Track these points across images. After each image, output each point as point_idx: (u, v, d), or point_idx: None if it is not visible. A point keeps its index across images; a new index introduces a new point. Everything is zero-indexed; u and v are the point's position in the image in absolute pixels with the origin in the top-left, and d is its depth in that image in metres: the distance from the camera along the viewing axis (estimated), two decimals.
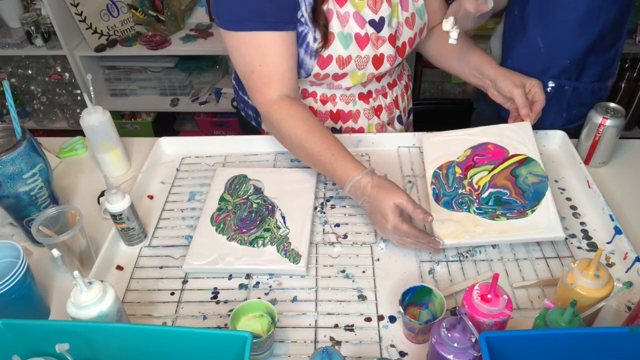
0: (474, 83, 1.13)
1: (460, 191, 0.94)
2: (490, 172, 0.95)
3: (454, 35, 0.96)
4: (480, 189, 0.93)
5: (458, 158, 0.99)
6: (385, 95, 1.14)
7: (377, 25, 1.00)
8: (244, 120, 1.25)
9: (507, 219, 0.88)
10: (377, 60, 1.03)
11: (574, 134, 1.10)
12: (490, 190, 0.93)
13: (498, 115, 1.22)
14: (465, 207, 0.91)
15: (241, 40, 0.93)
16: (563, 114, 1.19)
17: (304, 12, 0.93)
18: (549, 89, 1.16)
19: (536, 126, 1.04)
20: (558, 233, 0.86)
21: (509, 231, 0.87)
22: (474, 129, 1.03)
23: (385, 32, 1.01)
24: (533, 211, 0.89)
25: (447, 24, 0.95)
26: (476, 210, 0.90)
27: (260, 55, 0.93)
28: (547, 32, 1.12)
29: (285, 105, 0.94)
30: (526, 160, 0.96)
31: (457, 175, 0.96)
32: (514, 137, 1.00)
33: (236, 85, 1.21)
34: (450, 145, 1.02)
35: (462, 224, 0.89)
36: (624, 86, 2.21)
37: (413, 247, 0.87)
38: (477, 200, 0.91)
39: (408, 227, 0.83)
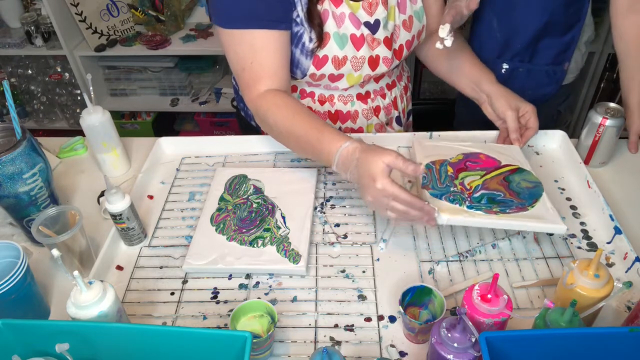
0: (470, 95, 1.12)
1: (452, 189, 0.91)
2: (482, 177, 0.94)
3: (448, 43, 0.97)
4: (472, 189, 0.91)
5: (450, 159, 0.99)
6: (383, 96, 1.13)
7: (372, 27, 1.00)
8: (243, 120, 1.25)
9: (507, 214, 0.87)
10: (373, 62, 1.03)
11: None
12: (483, 191, 0.90)
13: (479, 121, 1.22)
14: (456, 204, 0.87)
15: (234, 37, 0.93)
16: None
17: (300, 12, 0.93)
18: (503, 71, 1.18)
19: None
20: (560, 224, 0.84)
21: (509, 218, 0.85)
22: (466, 142, 1.04)
23: (381, 34, 1.01)
24: (532, 207, 0.88)
25: (444, 31, 0.96)
26: (467, 209, 0.86)
27: (252, 53, 0.93)
28: (501, 16, 1.14)
29: (271, 96, 0.94)
30: (518, 170, 0.95)
31: (449, 173, 0.95)
32: (506, 153, 1.00)
33: (236, 85, 1.21)
34: (442, 149, 1.02)
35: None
36: None
37: (403, 218, 0.80)
38: (469, 199, 0.88)
39: (399, 189, 0.77)
